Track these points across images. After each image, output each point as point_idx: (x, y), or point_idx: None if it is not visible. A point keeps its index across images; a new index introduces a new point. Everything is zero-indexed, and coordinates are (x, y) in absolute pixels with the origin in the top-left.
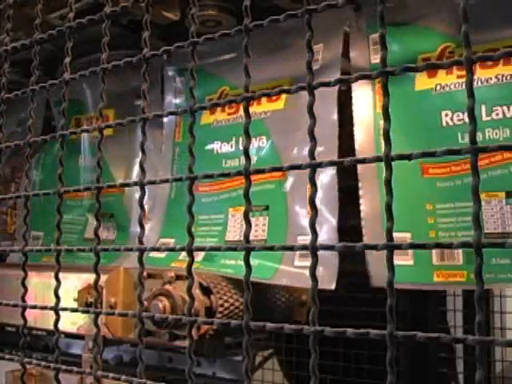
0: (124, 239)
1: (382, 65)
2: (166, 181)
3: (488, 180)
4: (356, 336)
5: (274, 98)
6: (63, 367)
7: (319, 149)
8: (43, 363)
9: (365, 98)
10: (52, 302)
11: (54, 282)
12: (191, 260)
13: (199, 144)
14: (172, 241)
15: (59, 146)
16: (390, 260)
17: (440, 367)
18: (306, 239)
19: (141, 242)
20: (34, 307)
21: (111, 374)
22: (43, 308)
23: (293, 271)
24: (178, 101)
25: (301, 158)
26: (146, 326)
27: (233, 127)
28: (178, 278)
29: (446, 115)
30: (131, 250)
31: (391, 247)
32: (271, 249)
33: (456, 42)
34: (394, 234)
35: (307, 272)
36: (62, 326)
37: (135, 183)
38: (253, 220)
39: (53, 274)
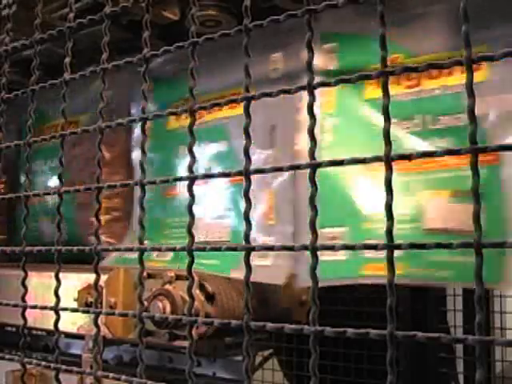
0: None
1: (382, 65)
2: (167, 181)
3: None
4: (356, 336)
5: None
6: (63, 367)
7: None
8: (43, 363)
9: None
10: (52, 301)
11: (54, 282)
12: (191, 260)
13: (167, 149)
14: (145, 242)
15: (59, 146)
16: (390, 260)
17: (440, 367)
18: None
19: (141, 242)
20: (34, 307)
21: (111, 374)
22: (43, 308)
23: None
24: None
25: (253, 161)
26: (146, 325)
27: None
28: (178, 277)
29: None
30: (131, 249)
31: (391, 247)
32: (271, 249)
33: (405, 52)
34: (329, 230)
35: (260, 270)
36: (62, 326)
37: (135, 183)
38: (216, 225)
39: (53, 274)
